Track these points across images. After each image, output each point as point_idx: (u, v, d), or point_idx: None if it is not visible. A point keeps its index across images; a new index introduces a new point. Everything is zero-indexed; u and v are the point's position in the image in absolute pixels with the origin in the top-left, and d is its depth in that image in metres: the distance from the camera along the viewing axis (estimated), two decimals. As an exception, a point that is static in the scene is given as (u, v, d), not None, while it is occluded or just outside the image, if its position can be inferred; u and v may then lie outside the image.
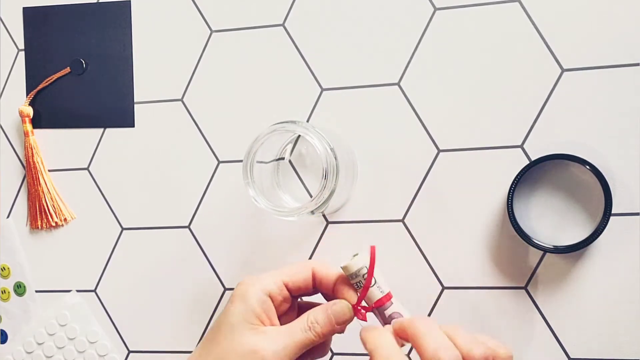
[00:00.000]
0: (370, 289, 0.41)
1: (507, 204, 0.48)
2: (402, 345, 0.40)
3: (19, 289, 0.61)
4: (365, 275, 0.41)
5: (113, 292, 0.59)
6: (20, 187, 0.61)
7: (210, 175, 0.56)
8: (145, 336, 0.58)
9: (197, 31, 0.57)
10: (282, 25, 0.55)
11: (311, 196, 0.53)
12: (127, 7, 0.58)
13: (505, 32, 0.50)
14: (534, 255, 0.49)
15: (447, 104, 0.51)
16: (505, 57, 0.50)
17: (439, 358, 0.35)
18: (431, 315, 0.51)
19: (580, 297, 0.49)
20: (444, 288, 0.51)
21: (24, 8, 0.61)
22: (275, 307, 0.43)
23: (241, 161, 0.47)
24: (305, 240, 0.54)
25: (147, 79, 0.58)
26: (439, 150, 0.51)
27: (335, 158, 0.45)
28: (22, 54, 0.61)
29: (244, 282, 0.44)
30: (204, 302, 0.56)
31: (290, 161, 0.54)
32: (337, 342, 0.54)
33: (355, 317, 0.42)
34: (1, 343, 0.61)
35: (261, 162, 0.49)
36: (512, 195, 0.48)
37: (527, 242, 0.47)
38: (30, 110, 0.60)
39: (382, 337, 0.39)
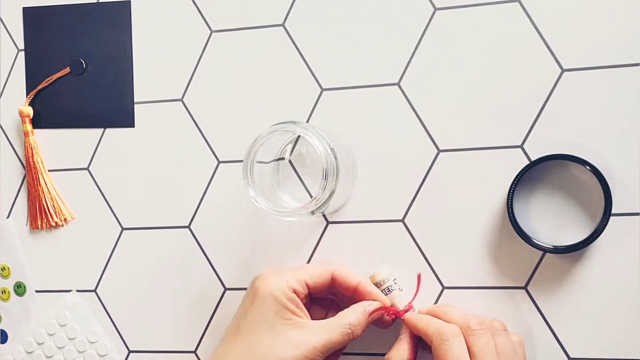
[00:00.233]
0: (400, 293, 0.49)
1: (507, 204, 0.48)
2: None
3: (19, 289, 0.61)
4: (389, 284, 0.48)
5: (113, 292, 0.59)
6: (20, 187, 0.61)
7: (210, 175, 0.56)
8: (145, 336, 0.58)
9: (197, 31, 0.57)
10: (282, 25, 0.55)
11: (311, 196, 0.53)
12: (127, 7, 0.58)
13: (505, 32, 0.50)
14: (534, 255, 0.49)
15: (447, 104, 0.51)
16: (505, 57, 0.50)
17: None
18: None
19: (580, 297, 0.49)
20: (444, 288, 0.51)
21: (24, 8, 0.61)
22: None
23: (241, 161, 0.47)
24: (305, 240, 0.54)
25: (147, 79, 0.58)
26: (439, 150, 0.51)
27: (335, 158, 0.45)
28: (22, 54, 0.61)
29: (267, 279, 0.45)
30: (204, 302, 0.56)
31: (290, 161, 0.54)
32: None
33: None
34: (1, 343, 0.61)
35: (261, 162, 0.49)
36: (512, 195, 0.48)
37: (527, 242, 0.47)
38: (30, 110, 0.60)
39: (428, 318, 0.46)
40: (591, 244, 0.47)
